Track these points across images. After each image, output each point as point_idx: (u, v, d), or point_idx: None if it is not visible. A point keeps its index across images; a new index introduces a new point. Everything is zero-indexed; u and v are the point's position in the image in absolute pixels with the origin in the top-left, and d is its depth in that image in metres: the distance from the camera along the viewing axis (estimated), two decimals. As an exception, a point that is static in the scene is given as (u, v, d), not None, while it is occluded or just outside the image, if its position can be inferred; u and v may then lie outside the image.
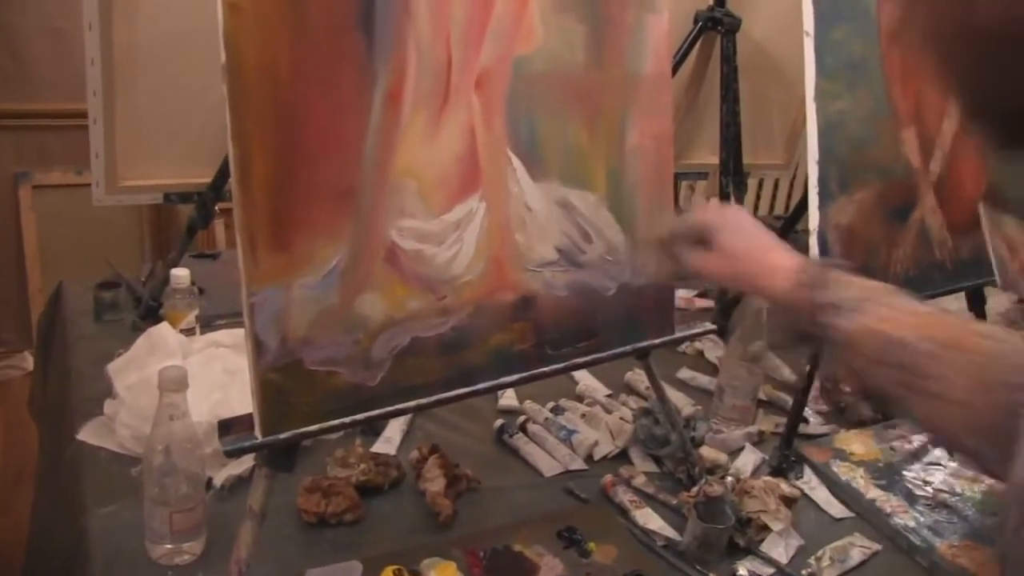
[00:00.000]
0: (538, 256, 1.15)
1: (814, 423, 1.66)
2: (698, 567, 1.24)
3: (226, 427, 0.96)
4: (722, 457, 1.48)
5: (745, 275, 1.06)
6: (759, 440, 1.58)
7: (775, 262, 1.03)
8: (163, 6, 1.52)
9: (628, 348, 1.28)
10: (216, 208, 1.72)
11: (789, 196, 4.09)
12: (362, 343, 1.00)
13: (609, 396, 1.68)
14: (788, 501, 1.36)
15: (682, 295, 2.14)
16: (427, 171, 1.03)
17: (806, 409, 1.61)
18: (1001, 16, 0.57)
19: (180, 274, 1.60)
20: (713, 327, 1.39)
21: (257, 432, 0.94)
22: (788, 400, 1.67)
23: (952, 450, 0.97)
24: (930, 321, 0.92)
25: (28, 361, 3.03)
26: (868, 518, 1.40)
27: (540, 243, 1.15)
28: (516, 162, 1.11)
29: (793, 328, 1.00)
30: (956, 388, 0.85)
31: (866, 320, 0.93)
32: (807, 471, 1.49)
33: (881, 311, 0.93)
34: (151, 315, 1.71)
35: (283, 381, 0.95)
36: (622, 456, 1.50)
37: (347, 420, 1.01)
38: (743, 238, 1.07)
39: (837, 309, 0.95)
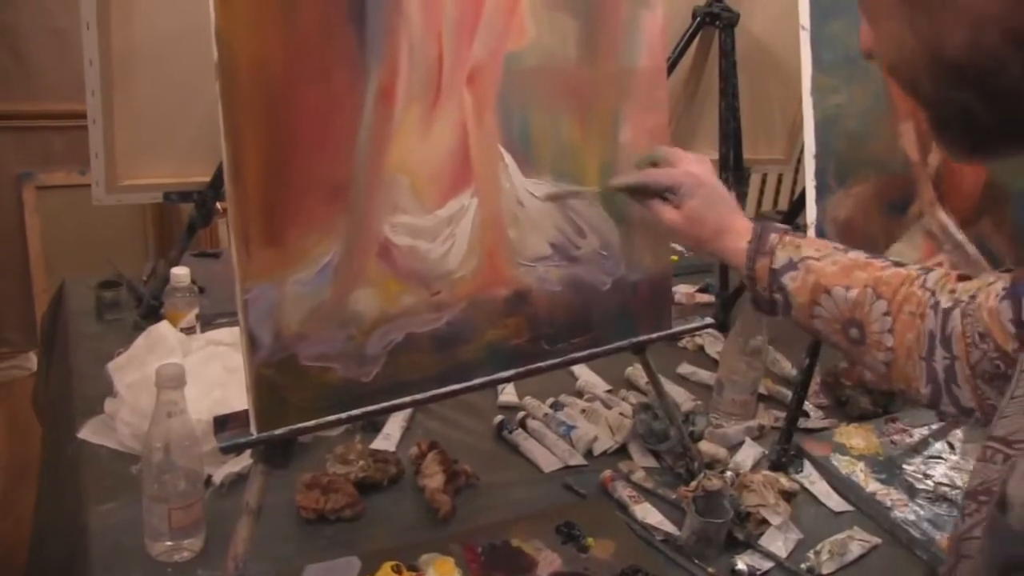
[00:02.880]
0: (531, 251, 1.15)
1: (814, 417, 1.66)
2: (697, 561, 1.24)
3: (222, 423, 0.96)
4: (721, 452, 1.48)
5: (705, 239, 1.15)
6: (759, 434, 1.58)
7: (732, 227, 1.14)
8: (160, 5, 1.52)
9: (625, 343, 1.28)
10: (217, 207, 1.73)
11: (792, 191, 4.09)
12: (356, 339, 1.01)
13: (609, 392, 1.68)
14: (787, 495, 1.36)
15: (682, 290, 2.14)
16: (420, 167, 1.03)
17: (806, 403, 1.61)
18: (968, 48, 0.59)
19: (180, 273, 1.60)
20: (711, 321, 1.39)
21: (252, 428, 0.95)
22: (788, 394, 1.67)
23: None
24: (847, 264, 1.04)
25: (33, 361, 3.04)
26: (868, 512, 1.40)
27: (533, 238, 1.15)
28: (508, 158, 1.11)
29: (751, 292, 1.12)
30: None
31: (802, 276, 1.05)
32: (807, 465, 1.49)
33: (821, 266, 1.04)
34: (152, 314, 1.72)
35: (278, 377, 0.95)
36: (621, 451, 1.50)
37: (342, 416, 1.02)
38: (707, 204, 1.15)
39: (781, 271, 1.07)
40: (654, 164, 1.21)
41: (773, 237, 1.09)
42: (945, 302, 0.95)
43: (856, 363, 1.12)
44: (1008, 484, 0.56)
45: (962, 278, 0.98)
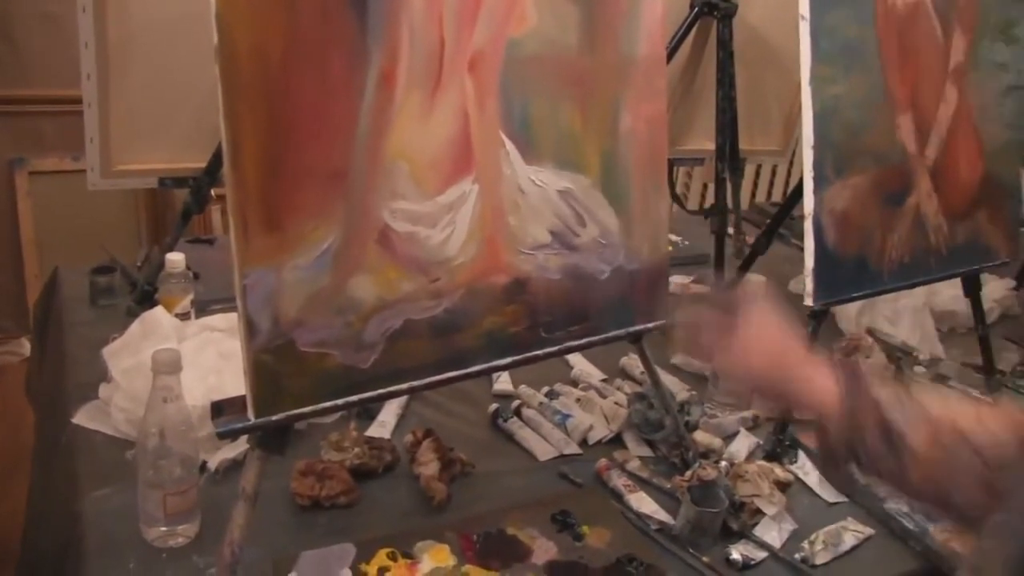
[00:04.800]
0: (531, 239, 1.15)
1: (809, 408, 1.66)
2: (691, 551, 1.24)
3: (219, 409, 0.96)
4: (716, 442, 1.48)
5: (778, 367, 0.97)
6: (754, 425, 1.58)
7: (813, 379, 0.95)
8: (157, -10, 1.51)
9: (621, 332, 1.28)
10: (211, 193, 1.72)
11: (787, 183, 4.09)
12: (354, 325, 1.00)
13: (604, 381, 1.68)
14: (782, 485, 1.36)
15: (676, 280, 2.14)
16: (420, 153, 1.03)
17: (801, 394, 1.61)
18: None
19: (175, 259, 1.60)
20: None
21: (250, 414, 0.95)
22: (783, 385, 1.67)
23: None
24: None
25: (25, 347, 3.03)
26: (861, 503, 1.40)
27: (533, 226, 1.15)
28: (509, 145, 1.11)
29: (846, 449, 0.90)
30: None
31: (930, 426, 0.86)
32: (801, 456, 1.49)
33: (939, 410, 0.88)
34: (146, 300, 1.71)
35: (275, 363, 0.95)
36: (616, 440, 1.50)
37: (340, 402, 1.02)
38: (775, 321, 1.00)
39: (893, 421, 0.87)
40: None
41: (866, 376, 0.92)
42: None
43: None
44: None
45: None
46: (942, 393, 0.94)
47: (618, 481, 1.37)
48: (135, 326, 1.44)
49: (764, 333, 0.99)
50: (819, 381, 0.93)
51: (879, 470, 0.89)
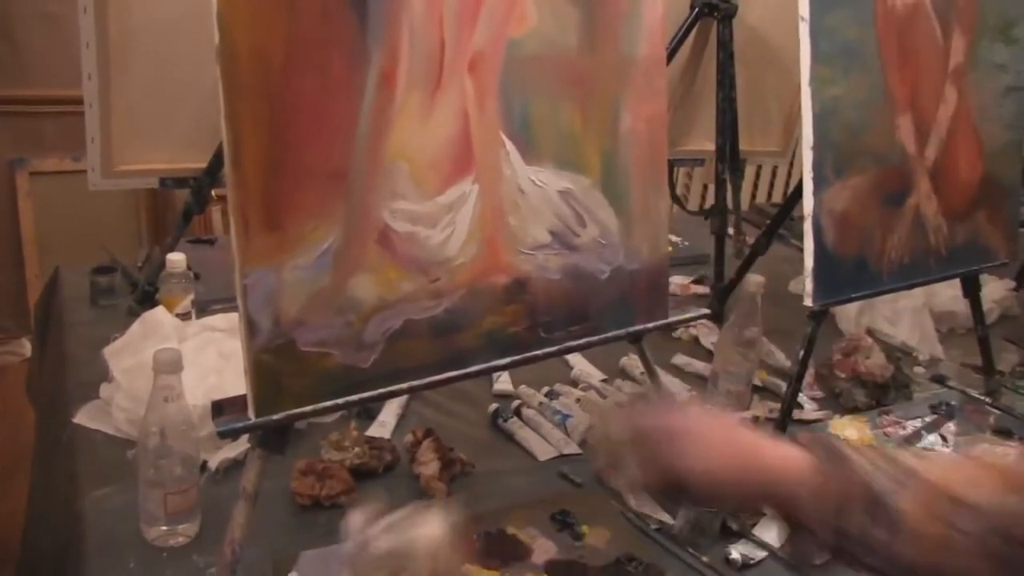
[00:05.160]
0: (531, 239, 1.15)
1: (808, 409, 1.66)
2: (691, 550, 1.24)
3: (219, 408, 0.96)
4: (716, 442, 1.48)
5: (749, 472, 0.84)
6: (753, 425, 1.58)
7: (787, 458, 0.83)
8: (158, -10, 1.52)
9: (621, 332, 1.29)
10: (212, 193, 1.72)
11: (787, 183, 4.09)
12: (354, 325, 1.01)
13: (604, 381, 1.68)
14: (781, 485, 1.36)
15: (677, 281, 2.14)
16: (420, 153, 1.03)
17: (800, 395, 1.61)
18: None
19: (176, 259, 1.60)
20: (707, 312, 1.39)
21: (250, 413, 0.95)
22: (782, 386, 1.67)
23: None
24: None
25: (26, 347, 3.03)
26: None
27: (533, 226, 1.15)
28: (509, 145, 1.11)
29: (829, 534, 0.79)
30: None
31: (920, 488, 0.77)
32: (800, 456, 1.49)
33: (931, 467, 0.79)
34: (147, 300, 1.72)
35: (276, 362, 0.95)
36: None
37: (340, 402, 1.02)
38: (728, 428, 0.89)
39: (883, 494, 0.77)
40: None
41: (839, 445, 0.83)
42: None
43: None
44: None
45: None
46: (924, 455, 0.85)
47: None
48: (136, 326, 1.44)
49: (719, 426, 0.89)
50: (793, 459, 0.82)
51: (868, 546, 0.78)
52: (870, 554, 0.78)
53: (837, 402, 1.70)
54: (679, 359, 1.80)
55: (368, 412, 1.48)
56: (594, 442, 0.96)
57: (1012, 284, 2.27)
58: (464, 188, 1.08)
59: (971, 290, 1.81)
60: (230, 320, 1.47)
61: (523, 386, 1.61)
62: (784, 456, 0.83)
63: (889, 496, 0.77)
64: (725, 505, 0.91)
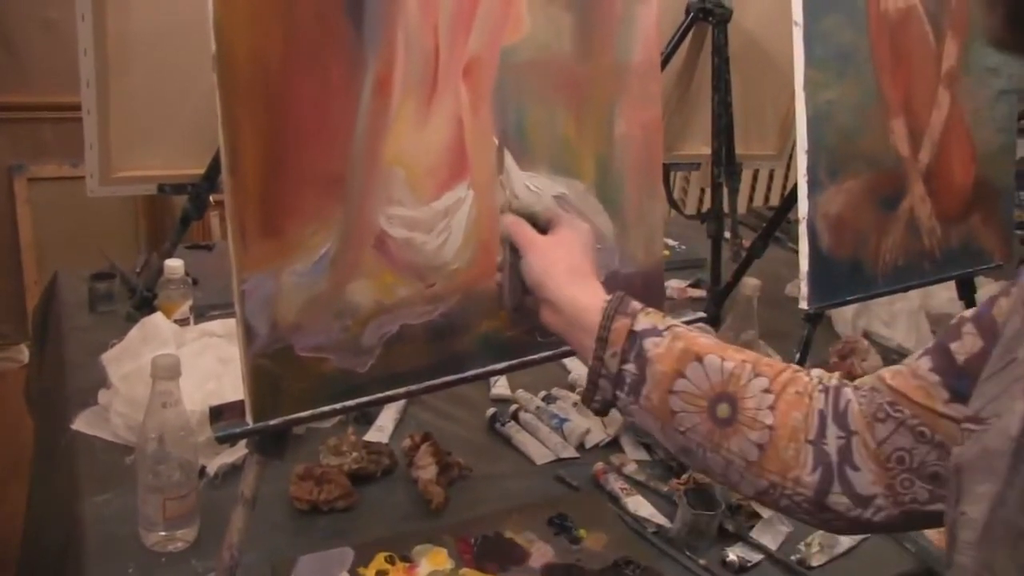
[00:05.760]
0: (526, 244, 1.16)
1: (805, 411, 1.67)
2: (688, 553, 1.25)
3: (217, 413, 0.96)
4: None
5: (555, 275, 0.96)
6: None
7: (589, 280, 0.97)
8: (156, -3, 1.52)
9: (618, 336, 1.29)
10: (210, 199, 1.73)
11: (784, 187, 4.10)
12: (352, 330, 1.01)
13: (601, 385, 1.68)
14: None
15: (673, 285, 2.15)
16: (416, 159, 1.03)
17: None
18: None
19: (174, 265, 1.61)
20: (703, 315, 1.39)
21: (248, 418, 0.95)
22: (779, 388, 1.67)
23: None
24: (722, 343, 0.89)
25: (24, 353, 3.03)
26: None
27: (528, 231, 1.15)
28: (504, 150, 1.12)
29: (597, 370, 0.90)
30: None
31: (668, 342, 0.87)
32: (797, 458, 1.50)
33: (693, 336, 0.88)
34: (145, 306, 1.72)
35: (274, 367, 0.95)
36: (613, 444, 1.51)
37: (338, 406, 1.02)
38: (579, 244, 1.00)
39: (643, 333, 0.88)
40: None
41: (636, 304, 0.92)
42: (835, 383, 0.85)
43: (708, 455, 0.84)
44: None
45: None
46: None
47: (615, 484, 1.37)
48: (134, 332, 1.45)
49: (564, 243, 0.99)
50: (588, 295, 0.94)
51: (620, 381, 0.88)
52: (620, 387, 0.88)
53: (833, 404, 1.71)
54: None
55: (366, 417, 1.48)
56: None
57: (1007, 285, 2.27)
58: (459, 193, 1.08)
59: (966, 292, 1.82)
60: (228, 326, 1.47)
61: (520, 390, 1.61)
62: (584, 293, 0.94)
63: (645, 337, 0.87)
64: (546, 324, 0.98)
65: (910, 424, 0.77)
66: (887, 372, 0.82)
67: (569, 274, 0.96)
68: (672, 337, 0.87)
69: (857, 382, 0.85)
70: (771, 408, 0.82)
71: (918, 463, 0.77)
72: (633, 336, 0.88)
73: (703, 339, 0.88)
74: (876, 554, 1.32)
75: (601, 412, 0.95)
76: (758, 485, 0.83)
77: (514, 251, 1.00)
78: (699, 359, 0.85)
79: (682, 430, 0.85)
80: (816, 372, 0.86)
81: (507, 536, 1.23)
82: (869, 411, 0.80)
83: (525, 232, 1.00)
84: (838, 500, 0.79)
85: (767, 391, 0.82)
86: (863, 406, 0.81)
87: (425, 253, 1.06)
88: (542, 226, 1.02)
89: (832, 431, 0.80)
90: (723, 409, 0.83)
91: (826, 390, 0.83)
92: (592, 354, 0.90)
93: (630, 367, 0.87)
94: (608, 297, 0.93)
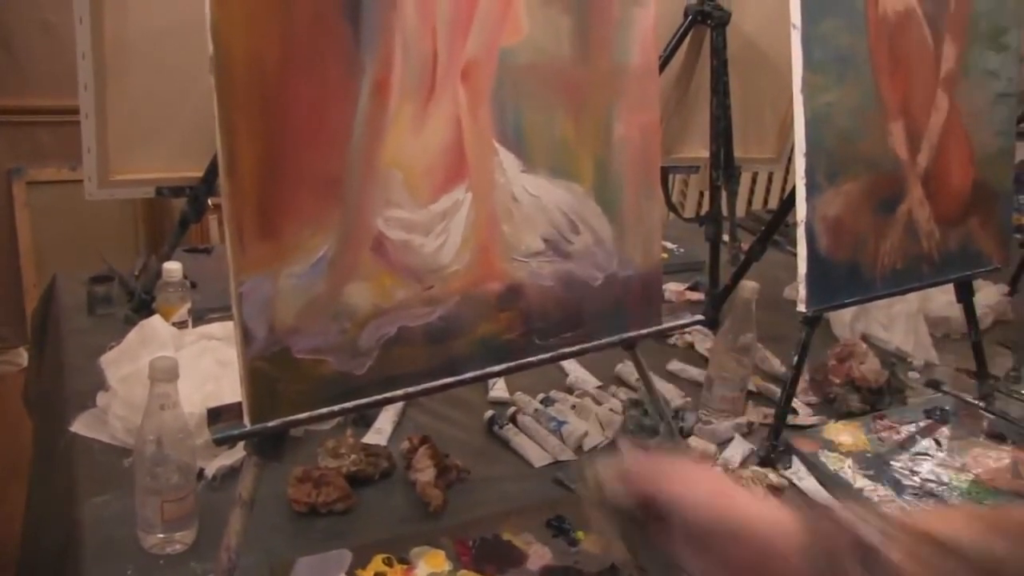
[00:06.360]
0: (525, 246, 1.16)
1: (803, 414, 1.67)
2: (686, 555, 1.25)
3: (215, 415, 0.97)
4: (711, 447, 1.49)
5: (724, 509, 0.81)
6: (748, 431, 1.58)
7: (763, 507, 0.82)
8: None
9: (615, 338, 1.29)
10: (208, 202, 1.73)
11: (783, 190, 4.11)
12: (349, 332, 1.01)
13: (599, 388, 1.69)
14: (776, 491, 1.37)
15: (672, 288, 2.15)
16: (414, 161, 1.04)
17: (795, 400, 1.62)
18: None
19: (172, 268, 1.61)
20: (701, 318, 1.40)
21: (246, 420, 0.95)
22: (777, 391, 1.68)
23: None
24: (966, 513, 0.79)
25: (23, 357, 3.03)
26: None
27: (527, 233, 1.16)
28: (503, 153, 1.12)
29: None
30: None
31: (909, 538, 0.74)
32: (795, 461, 1.50)
33: (917, 517, 0.78)
34: (144, 308, 1.72)
35: (271, 369, 0.95)
36: (611, 447, 1.50)
37: (335, 408, 1.02)
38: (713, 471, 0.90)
39: (874, 545, 0.74)
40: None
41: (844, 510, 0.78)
42: None
43: None
44: None
45: None
46: (907, 511, 0.84)
47: (613, 487, 1.37)
48: (132, 334, 1.45)
49: (705, 470, 0.91)
50: (771, 509, 0.81)
51: None
52: None
53: (832, 407, 1.71)
54: (674, 365, 1.81)
55: (364, 419, 1.48)
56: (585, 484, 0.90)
57: (1006, 289, 2.28)
58: (457, 196, 1.08)
59: (965, 295, 1.81)
60: (227, 328, 1.47)
61: (518, 393, 1.61)
62: (766, 508, 0.81)
63: (880, 547, 0.74)
64: (701, 551, 0.81)
65: None
66: None
67: (735, 493, 0.84)
68: (898, 535, 0.74)
69: None
70: None
71: None
72: (858, 545, 0.74)
73: (940, 521, 0.77)
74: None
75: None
76: None
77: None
78: (947, 549, 0.73)
79: None
80: None
81: (505, 538, 1.23)
82: None
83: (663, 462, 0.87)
84: None
85: None
86: None
87: (423, 255, 1.06)
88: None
89: None
90: None
91: None
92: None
93: None
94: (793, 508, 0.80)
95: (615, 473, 0.88)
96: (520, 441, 1.48)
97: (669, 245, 2.41)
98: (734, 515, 0.80)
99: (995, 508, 0.80)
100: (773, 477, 1.38)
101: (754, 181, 4.19)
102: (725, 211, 2.15)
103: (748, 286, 1.58)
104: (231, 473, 1.29)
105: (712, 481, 0.86)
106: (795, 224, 1.45)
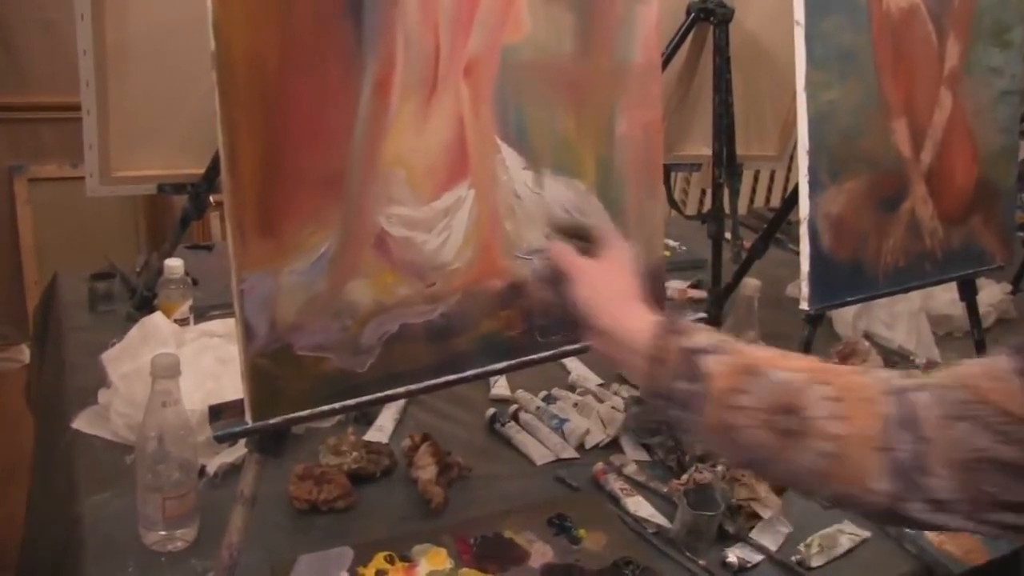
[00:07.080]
0: (527, 243, 1.16)
1: (805, 412, 1.66)
2: (688, 554, 1.25)
3: (217, 412, 0.96)
4: (712, 446, 1.49)
5: (606, 299, 0.99)
6: (750, 429, 1.58)
7: (637, 303, 0.99)
8: (155, -4, 1.52)
9: (618, 336, 1.29)
10: (210, 199, 1.73)
11: (785, 188, 4.10)
12: (351, 329, 1.01)
13: (601, 385, 1.68)
14: (778, 489, 1.36)
15: (674, 286, 2.15)
16: (416, 159, 1.03)
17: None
18: None
19: (174, 264, 1.61)
20: (704, 315, 1.40)
21: (248, 417, 0.95)
22: (779, 389, 1.67)
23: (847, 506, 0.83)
24: (780, 353, 0.87)
25: (25, 354, 3.03)
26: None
27: (529, 230, 1.16)
28: (505, 150, 1.12)
29: (653, 391, 0.91)
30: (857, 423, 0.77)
31: (727, 358, 0.85)
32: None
33: (749, 350, 0.87)
34: (145, 305, 1.72)
35: (273, 366, 0.95)
36: (613, 445, 1.50)
37: (337, 406, 1.02)
38: (626, 270, 1.04)
39: (698, 351, 0.87)
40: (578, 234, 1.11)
41: (687, 322, 0.92)
42: (901, 383, 0.79)
43: (776, 467, 0.82)
44: None
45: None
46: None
47: (615, 485, 1.37)
48: (134, 331, 1.45)
49: (612, 269, 1.03)
50: (643, 328, 0.93)
51: (673, 399, 0.87)
52: (674, 406, 0.88)
53: (834, 405, 1.71)
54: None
55: (366, 417, 1.48)
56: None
57: (1008, 287, 2.28)
58: (460, 193, 1.08)
59: (967, 294, 1.81)
60: (228, 325, 1.47)
61: (520, 391, 1.61)
62: (641, 322, 0.94)
63: (700, 355, 0.86)
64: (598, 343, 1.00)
65: (988, 422, 0.72)
66: (966, 370, 0.77)
67: (619, 300, 0.99)
68: (728, 352, 0.86)
69: (924, 380, 0.79)
70: (838, 417, 0.78)
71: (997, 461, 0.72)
72: (687, 353, 0.87)
73: (761, 351, 0.87)
74: (876, 555, 1.32)
75: (655, 433, 0.94)
76: (830, 494, 0.80)
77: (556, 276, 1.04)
78: (758, 372, 0.83)
79: (746, 445, 0.83)
80: (883, 374, 0.83)
81: (507, 536, 1.23)
82: (942, 411, 0.75)
83: (574, 261, 1.03)
84: (915, 507, 0.75)
85: (834, 399, 0.79)
86: (935, 407, 0.75)
87: (425, 252, 1.06)
88: (588, 243, 1.06)
89: (904, 437, 0.75)
90: (787, 422, 0.80)
91: (894, 393, 0.78)
92: (645, 374, 0.90)
93: (686, 385, 0.86)
94: (659, 317, 0.94)
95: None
96: (522, 439, 1.48)
97: (671, 243, 2.40)
98: (606, 319, 0.98)
99: (830, 364, 0.86)
100: (775, 475, 1.38)
101: (756, 179, 4.18)
102: (727, 209, 2.14)
103: (750, 284, 1.57)
104: (232, 470, 1.29)
105: (612, 287, 1.01)
106: (797, 222, 1.45)
